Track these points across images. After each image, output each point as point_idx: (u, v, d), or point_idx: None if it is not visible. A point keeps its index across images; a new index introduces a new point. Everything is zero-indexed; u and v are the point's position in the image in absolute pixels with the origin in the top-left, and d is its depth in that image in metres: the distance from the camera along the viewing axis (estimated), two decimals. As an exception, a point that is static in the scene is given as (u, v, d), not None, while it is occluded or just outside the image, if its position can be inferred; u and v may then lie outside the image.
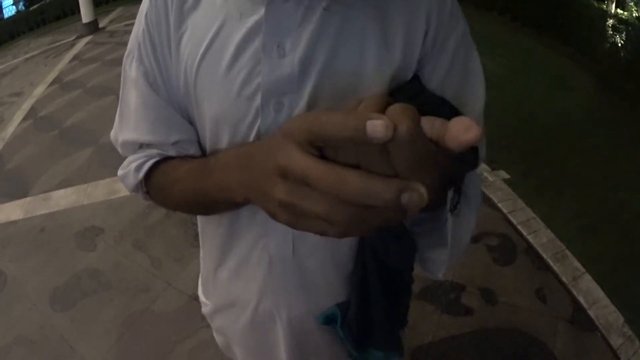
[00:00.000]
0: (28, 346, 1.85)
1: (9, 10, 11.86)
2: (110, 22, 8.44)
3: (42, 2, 11.23)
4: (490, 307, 1.87)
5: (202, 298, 0.77)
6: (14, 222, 2.67)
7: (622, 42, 5.18)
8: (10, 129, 4.09)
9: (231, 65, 0.47)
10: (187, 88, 0.51)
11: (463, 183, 0.45)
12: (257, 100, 0.48)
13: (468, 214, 0.48)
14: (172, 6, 0.49)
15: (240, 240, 0.60)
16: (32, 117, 4.28)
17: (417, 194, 0.24)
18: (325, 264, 0.61)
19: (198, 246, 0.71)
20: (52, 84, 5.21)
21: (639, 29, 5.23)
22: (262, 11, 0.46)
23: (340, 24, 0.46)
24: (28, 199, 2.87)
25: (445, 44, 0.50)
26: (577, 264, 2.06)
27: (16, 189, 3.01)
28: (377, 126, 0.23)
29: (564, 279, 1.98)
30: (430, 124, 0.25)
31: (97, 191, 2.81)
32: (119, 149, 0.59)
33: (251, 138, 0.50)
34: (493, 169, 2.70)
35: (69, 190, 2.88)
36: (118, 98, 0.57)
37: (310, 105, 0.48)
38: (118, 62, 0.57)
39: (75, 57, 6.21)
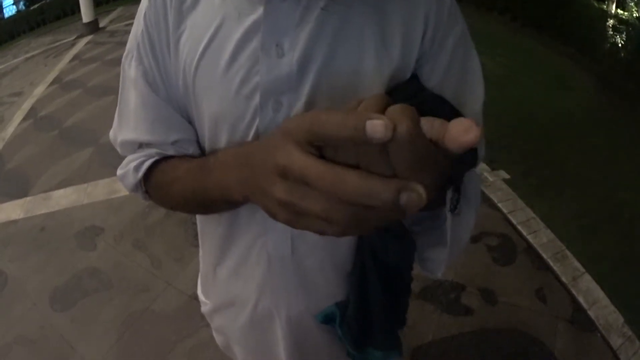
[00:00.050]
0: (28, 346, 1.85)
1: (9, 10, 11.88)
2: (111, 22, 8.45)
3: (43, 2, 11.24)
4: (490, 307, 1.87)
5: (201, 297, 0.77)
6: (14, 222, 2.67)
7: (622, 42, 5.19)
8: (11, 129, 4.09)
9: (230, 65, 0.47)
10: (186, 87, 0.51)
11: (462, 182, 0.45)
12: (256, 100, 0.48)
13: (467, 213, 0.48)
14: (170, 6, 0.49)
15: (240, 239, 0.60)
16: (32, 117, 4.28)
17: (416, 194, 0.24)
18: (324, 263, 0.61)
19: (198, 246, 0.71)
20: (52, 83, 5.21)
21: (639, 29, 5.24)
22: (260, 11, 0.46)
23: (338, 23, 0.46)
24: (28, 198, 2.87)
25: (444, 44, 0.50)
26: (577, 264, 2.06)
27: (16, 188, 3.01)
28: (376, 126, 0.23)
29: (564, 279, 1.98)
30: (429, 125, 0.25)
31: (97, 191, 2.81)
32: (118, 149, 0.59)
33: (250, 137, 0.50)
34: (493, 169, 2.70)
35: (69, 189, 2.88)
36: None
37: (309, 105, 0.48)
38: (118, 62, 0.57)
39: (75, 57, 6.21)
